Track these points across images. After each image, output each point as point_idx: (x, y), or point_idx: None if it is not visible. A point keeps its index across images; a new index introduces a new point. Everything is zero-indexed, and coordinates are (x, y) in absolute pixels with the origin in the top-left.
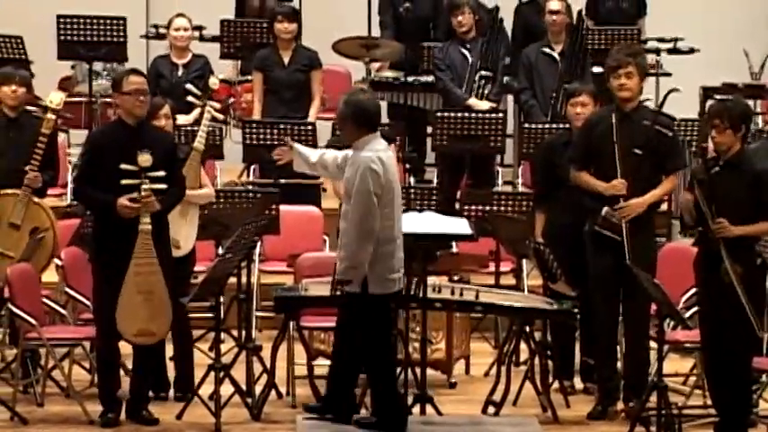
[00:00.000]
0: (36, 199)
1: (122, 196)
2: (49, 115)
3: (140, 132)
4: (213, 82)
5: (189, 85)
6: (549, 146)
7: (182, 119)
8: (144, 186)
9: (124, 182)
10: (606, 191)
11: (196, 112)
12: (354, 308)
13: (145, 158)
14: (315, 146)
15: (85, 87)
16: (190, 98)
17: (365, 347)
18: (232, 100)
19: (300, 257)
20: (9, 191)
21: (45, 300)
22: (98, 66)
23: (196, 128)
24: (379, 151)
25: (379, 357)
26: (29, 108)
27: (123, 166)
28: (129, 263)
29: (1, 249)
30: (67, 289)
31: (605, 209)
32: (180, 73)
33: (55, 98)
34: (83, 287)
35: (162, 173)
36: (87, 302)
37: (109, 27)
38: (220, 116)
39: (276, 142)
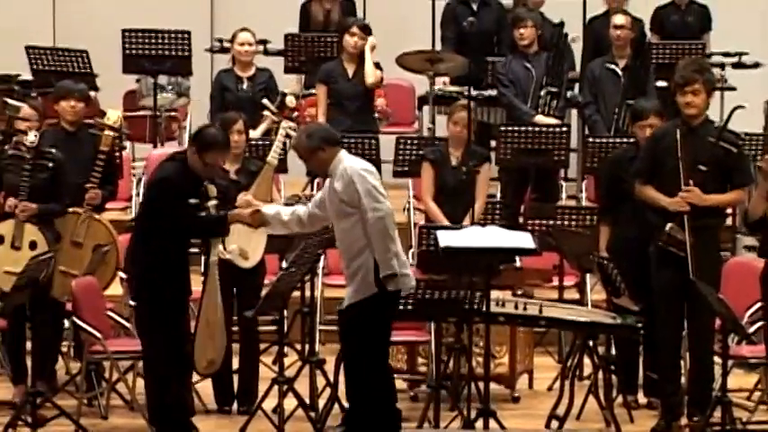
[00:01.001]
0: (97, 216)
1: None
2: (107, 132)
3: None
4: (290, 100)
5: (265, 101)
6: (616, 160)
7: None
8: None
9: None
10: (670, 206)
11: (263, 125)
12: (371, 309)
13: (212, 189)
14: (378, 159)
15: (150, 101)
16: (266, 113)
17: (372, 350)
18: (296, 114)
19: None
20: (70, 210)
21: (109, 313)
22: (162, 79)
23: (263, 141)
24: (356, 160)
25: (382, 361)
26: (88, 122)
27: (192, 201)
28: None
29: (64, 267)
30: (131, 302)
31: (669, 225)
32: (245, 86)
33: (112, 116)
34: None
35: (216, 202)
36: None
37: (173, 41)
38: (294, 134)
39: None
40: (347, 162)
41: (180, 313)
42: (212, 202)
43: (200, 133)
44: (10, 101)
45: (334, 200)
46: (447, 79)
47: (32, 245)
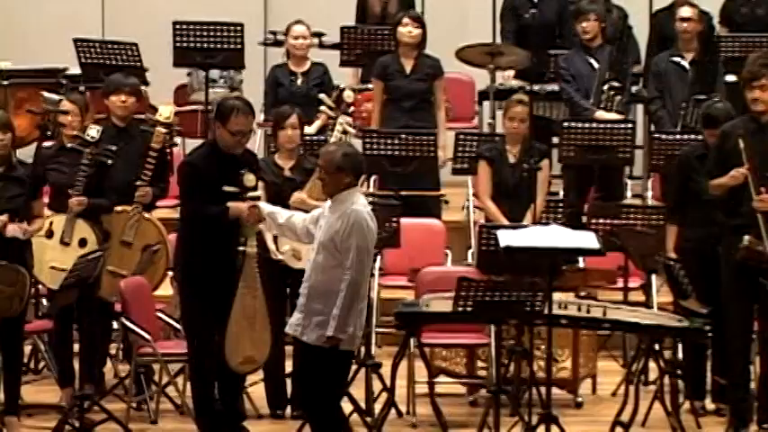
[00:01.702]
0: (147, 215)
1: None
2: (159, 129)
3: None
4: (348, 95)
5: (322, 96)
6: (684, 158)
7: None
8: (251, 195)
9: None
10: (730, 181)
11: (319, 121)
12: (319, 361)
13: (251, 178)
14: (435, 158)
15: (201, 95)
16: (323, 108)
17: (321, 400)
18: (352, 109)
19: (422, 272)
20: (119, 208)
21: (159, 314)
22: (214, 73)
23: (318, 137)
24: (366, 206)
25: (333, 411)
26: (139, 117)
27: (226, 188)
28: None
29: (113, 268)
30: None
31: (746, 238)
32: (299, 82)
33: (165, 111)
34: None
35: (259, 193)
36: None
37: (226, 34)
38: (352, 130)
39: (397, 152)
40: (357, 205)
41: (220, 310)
42: (254, 194)
43: (218, 107)
44: (47, 94)
45: (325, 231)
46: (511, 73)
47: (82, 242)
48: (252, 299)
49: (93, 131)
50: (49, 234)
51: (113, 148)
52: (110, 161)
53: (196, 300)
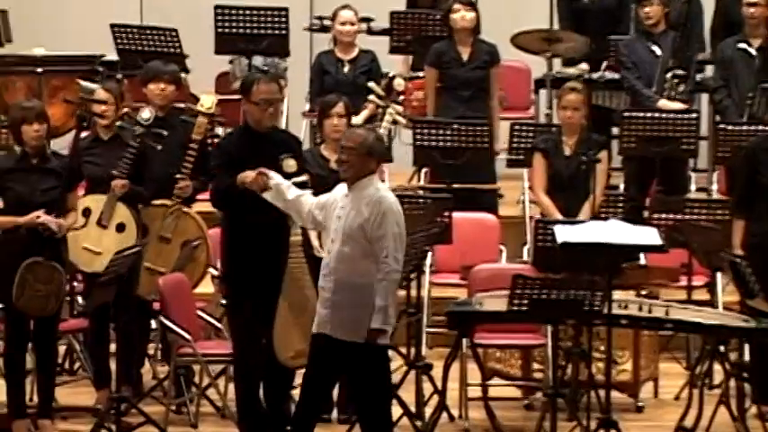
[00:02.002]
0: (186, 209)
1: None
2: (201, 119)
3: (269, 138)
4: (399, 83)
5: (371, 84)
6: (752, 149)
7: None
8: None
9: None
10: None
11: (366, 111)
12: (354, 358)
13: (291, 163)
14: (491, 149)
15: None
16: (371, 97)
17: (377, 400)
18: (402, 98)
19: (475, 269)
20: (158, 201)
21: (199, 313)
22: (258, 60)
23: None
24: (390, 193)
25: (387, 410)
26: (178, 106)
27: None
28: (266, 276)
29: (151, 264)
30: (224, 301)
31: None
32: (346, 70)
33: (206, 101)
34: None
35: (305, 177)
36: None
37: (270, 19)
38: (402, 120)
39: (450, 143)
40: (383, 191)
41: (266, 305)
42: (300, 179)
43: (241, 84)
44: (83, 83)
45: (350, 220)
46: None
47: (120, 227)
48: (299, 289)
49: (146, 113)
50: (86, 212)
51: (164, 133)
52: (159, 146)
53: (240, 295)
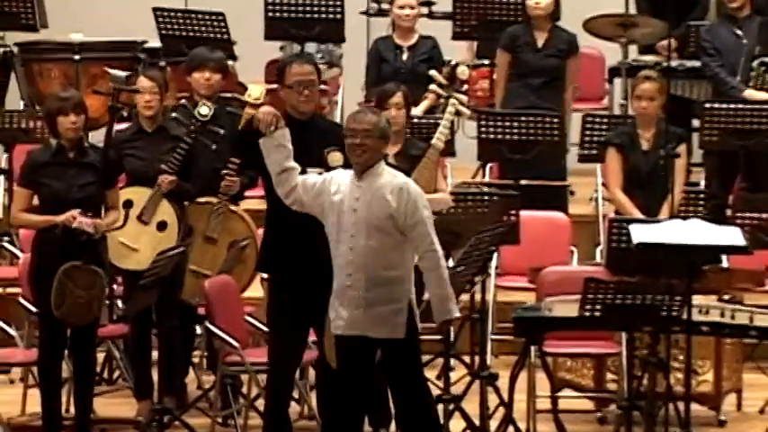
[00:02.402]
0: (233, 207)
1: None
2: (249, 110)
3: (310, 126)
4: (462, 71)
5: (433, 72)
6: None
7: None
8: None
9: None
10: None
11: (427, 101)
12: (398, 355)
13: (337, 157)
14: (564, 142)
15: None
16: (433, 87)
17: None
18: (466, 87)
19: (544, 271)
20: (203, 199)
21: (248, 318)
22: (311, 47)
23: (427, 119)
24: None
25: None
26: (225, 96)
27: (310, 170)
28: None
29: (196, 267)
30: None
31: None
32: (405, 57)
33: (254, 91)
34: None
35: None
36: None
37: (324, 2)
38: (467, 111)
39: (518, 136)
40: (400, 177)
41: (317, 306)
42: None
43: (276, 70)
44: (112, 71)
45: (375, 211)
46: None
47: (161, 225)
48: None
49: (205, 109)
50: (127, 203)
51: (221, 131)
52: (214, 146)
53: (281, 294)
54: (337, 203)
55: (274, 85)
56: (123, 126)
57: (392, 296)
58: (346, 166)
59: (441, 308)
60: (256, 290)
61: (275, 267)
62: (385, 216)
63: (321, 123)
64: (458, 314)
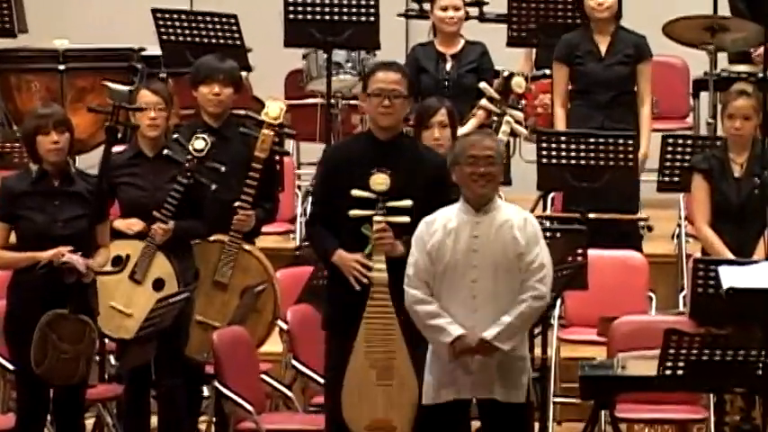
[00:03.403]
0: (248, 246)
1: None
2: (266, 131)
3: (391, 149)
4: (518, 82)
5: (483, 84)
6: None
7: None
8: (376, 218)
9: (353, 213)
10: None
11: (475, 119)
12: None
13: (380, 180)
14: (636, 168)
15: (322, 85)
16: (483, 102)
17: None
18: (523, 102)
19: (616, 322)
20: (211, 237)
21: (264, 377)
22: (339, 55)
23: None
24: None
25: None
26: (238, 113)
27: (355, 192)
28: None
29: (202, 317)
30: (295, 362)
31: None
32: (448, 67)
33: (273, 109)
34: (315, 360)
35: (408, 202)
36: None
37: (354, 3)
38: (523, 130)
39: (584, 161)
40: (517, 207)
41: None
42: (398, 203)
43: (362, 77)
44: (112, 85)
45: (502, 250)
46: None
47: (157, 284)
48: (382, 340)
49: (200, 143)
50: (118, 260)
51: (222, 168)
52: (213, 186)
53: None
54: (448, 248)
55: (295, 101)
56: (118, 149)
57: (515, 346)
58: (391, 191)
59: (504, 332)
60: (274, 344)
61: (344, 325)
62: (515, 255)
63: (409, 146)
64: (506, 348)
